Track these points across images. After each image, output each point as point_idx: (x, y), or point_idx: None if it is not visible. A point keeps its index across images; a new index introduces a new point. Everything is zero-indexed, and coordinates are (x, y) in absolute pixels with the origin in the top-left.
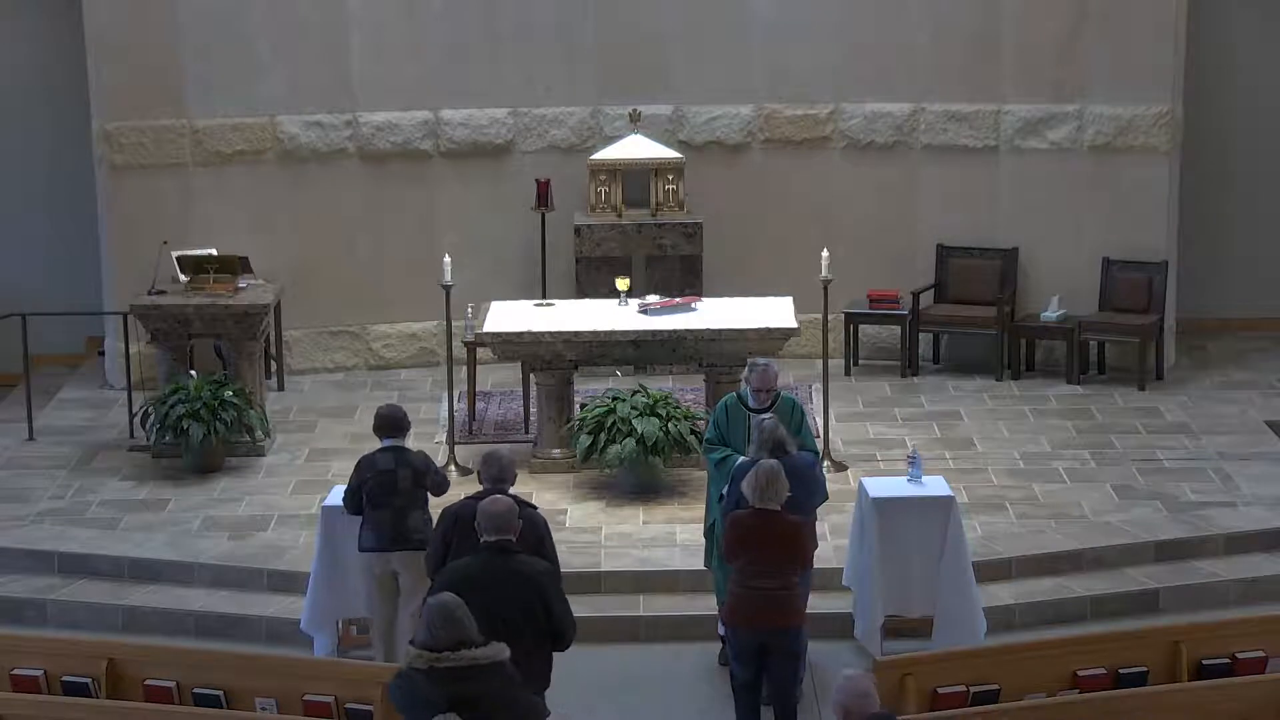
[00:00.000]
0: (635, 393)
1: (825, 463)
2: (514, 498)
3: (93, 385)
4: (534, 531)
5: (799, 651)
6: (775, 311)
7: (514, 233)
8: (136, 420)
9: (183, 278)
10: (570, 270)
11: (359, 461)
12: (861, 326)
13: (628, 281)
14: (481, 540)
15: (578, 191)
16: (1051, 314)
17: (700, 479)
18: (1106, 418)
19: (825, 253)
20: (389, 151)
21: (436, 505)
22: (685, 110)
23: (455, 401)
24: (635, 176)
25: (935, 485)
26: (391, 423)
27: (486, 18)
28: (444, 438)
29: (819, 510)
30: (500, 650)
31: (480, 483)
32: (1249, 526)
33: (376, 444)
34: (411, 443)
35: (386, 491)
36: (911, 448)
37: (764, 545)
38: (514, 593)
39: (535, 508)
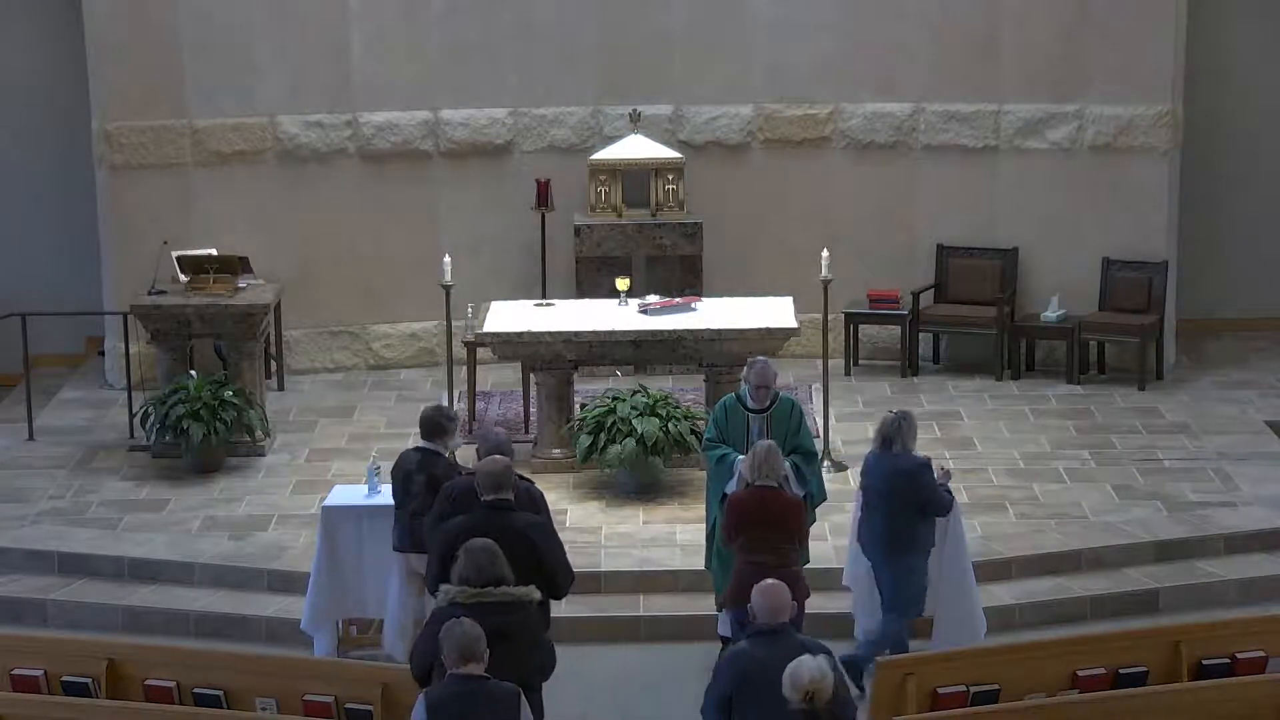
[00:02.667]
0: (635, 393)
1: (825, 463)
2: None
3: (93, 385)
4: (531, 503)
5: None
6: (775, 311)
7: (514, 233)
8: (136, 420)
9: (183, 278)
10: (570, 270)
11: (399, 455)
12: (861, 326)
13: (628, 281)
14: (481, 498)
15: (578, 191)
16: (1051, 314)
17: (700, 479)
18: (1106, 418)
19: (825, 253)
20: (389, 151)
21: None
22: (685, 110)
23: (455, 401)
24: (635, 176)
25: None
26: (427, 425)
27: (486, 18)
28: None
29: (819, 509)
30: (532, 591)
31: (478, 458)
32: (1249, 526)
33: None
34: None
35: (404, 492)
36: None
37: (762, 522)
38: (513, 546)
39: (531, 482)
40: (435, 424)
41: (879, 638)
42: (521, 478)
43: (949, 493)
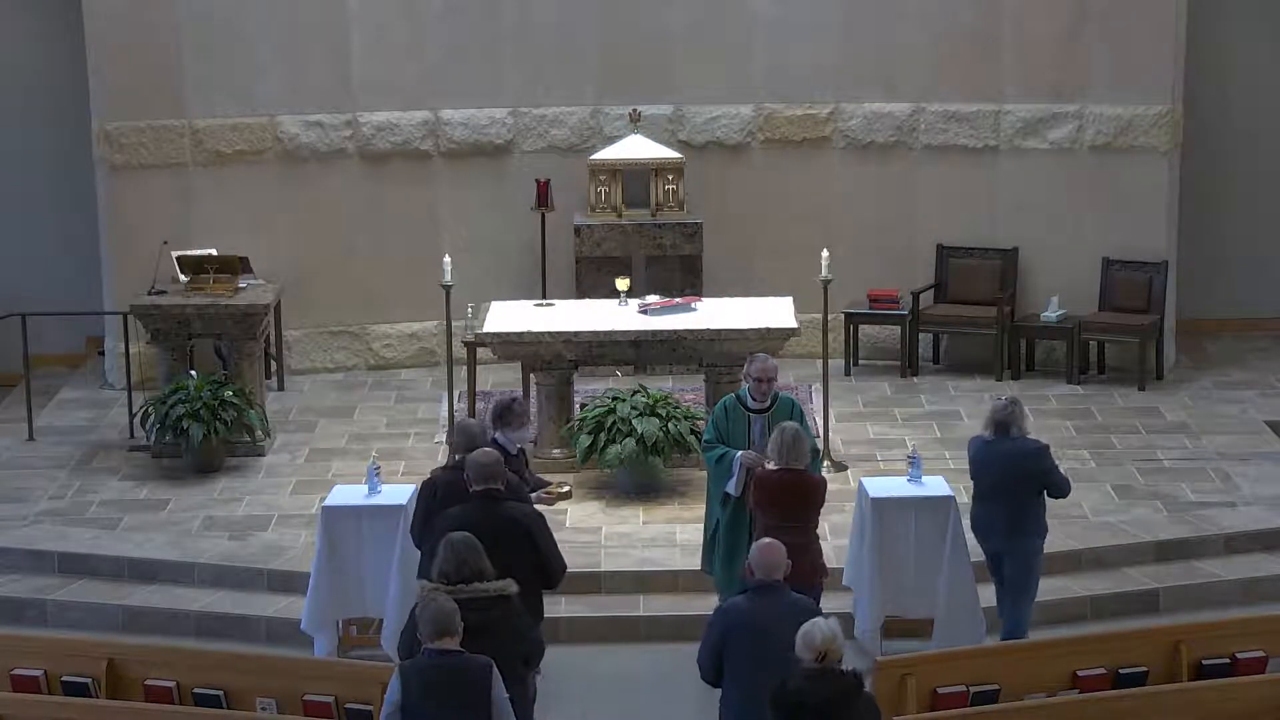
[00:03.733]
0: (635, 393)
1: (825, 463)
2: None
3: (93, 385)
4: (516, 495)
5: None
6: (775, 311)
7: (514, 233)
8: (136, 420)
9: (183, 278)
10: (570, 270)
11: None
12: (861, 326)
13: (628, 281)
14: (471, 490)
15: (578, 191)
16: (1051, 314)
17: (700, 479)
18: (1106, 418)
19: (825, 253)
20: (389, 151)
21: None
22: (685, 110)
23: (455, 401)
24: (635, 176)
25: (935, 485)
26: (493, 412)
27: (486, 18)
28: (444, 437)
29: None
30: (509, 585)
31: (453, 454)
32: (1249, 526)
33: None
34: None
35: None
36: (911, 448)
37: (789, 503)
38: (505, 536)
39: (517, 473)
40: (497, 411)
41: (1016, 627)
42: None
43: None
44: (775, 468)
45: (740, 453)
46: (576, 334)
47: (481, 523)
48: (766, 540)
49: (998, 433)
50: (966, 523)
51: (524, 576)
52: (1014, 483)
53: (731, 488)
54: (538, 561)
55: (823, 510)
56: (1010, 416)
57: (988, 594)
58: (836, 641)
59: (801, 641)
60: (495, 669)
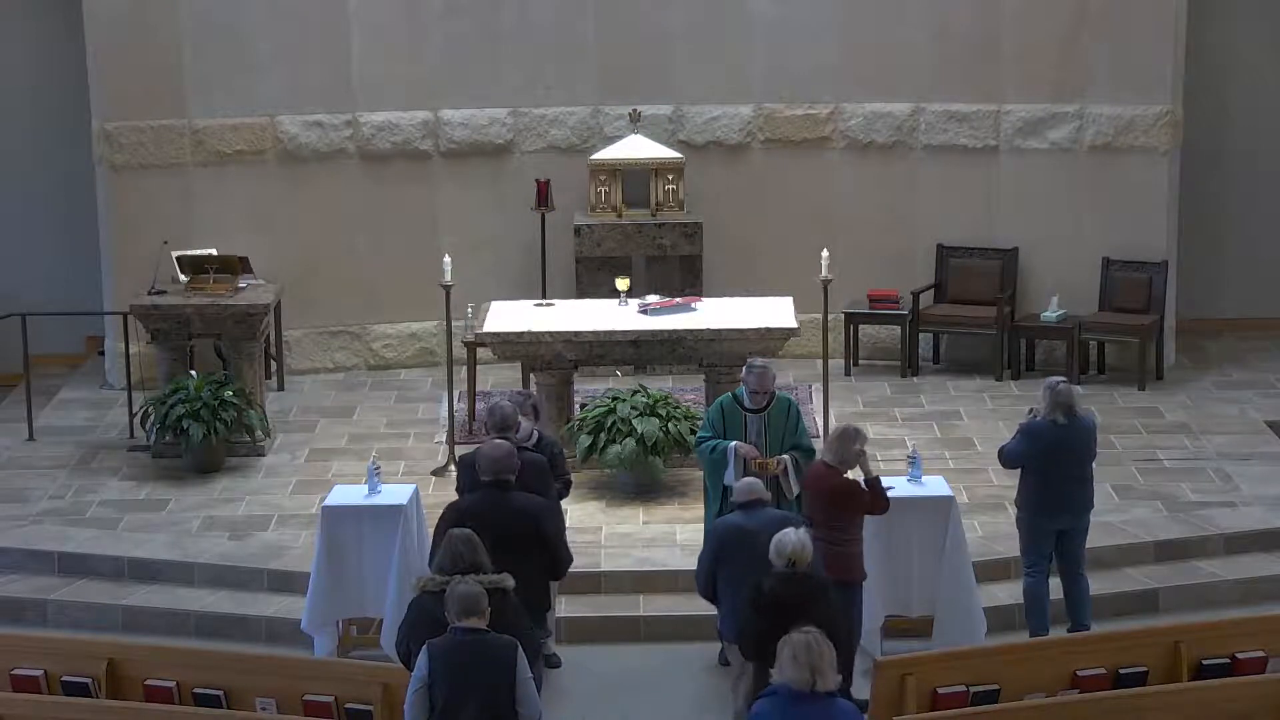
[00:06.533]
0: (635, 393)
1: None
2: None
3: (93, 385)
4: (535, 471)
5: (858, 605)
6: (775, 311)
7: (514, 233)
8: (136, 420)
9: (183, 278)
10: (570, 270)
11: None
12: (861, 326)
13: (628, 281)
14: (481, 479)
15: (578, 191)
16: (1051, 314)
17: (700, 479)
18: (1106, 418)
19: (825, 253)
20: (389, 151)
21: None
22: (685, 110)
23: (455, 401)
24: (635, 176)
25: (935, 485)
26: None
27: (486, 18)
28: (444, 438)
29: None
30: (505, 579)
31: (487, 433)
32: (1249, 526)
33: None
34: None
35: None
36: (911, 448)
37: (833, 503)
38: (513, 525)
39: (539, 452)
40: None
41: (1087, 597)
42: (524, 449)
43: None
44: (826, 465)
45: (735, 443)
46: (576, 334)
47: (490, 512)
48: (746, 479)
49: (1069, 415)
50: (969, 522)
51: (531, 565)
52: (1088, 458)
53: (729, 478)
54: (545, 550)
55: None
56: (1075, 398)
57: (988, 594)
58: (805, 549)
59: (774, 549)
60: (520, 648)
